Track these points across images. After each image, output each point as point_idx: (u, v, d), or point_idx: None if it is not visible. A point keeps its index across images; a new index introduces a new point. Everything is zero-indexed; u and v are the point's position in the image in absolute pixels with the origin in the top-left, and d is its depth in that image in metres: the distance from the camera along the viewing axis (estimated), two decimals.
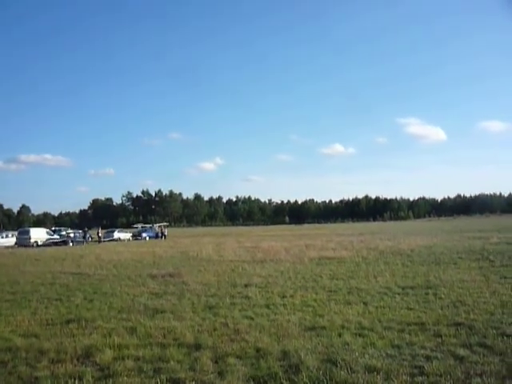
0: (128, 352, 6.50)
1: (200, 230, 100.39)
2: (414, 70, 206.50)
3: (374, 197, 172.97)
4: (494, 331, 6.98)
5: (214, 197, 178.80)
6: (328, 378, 5.18)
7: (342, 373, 5.29)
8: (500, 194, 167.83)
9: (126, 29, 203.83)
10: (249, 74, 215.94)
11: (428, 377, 5.16)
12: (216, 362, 5.97)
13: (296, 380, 5.18)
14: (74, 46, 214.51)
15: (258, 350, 6.41)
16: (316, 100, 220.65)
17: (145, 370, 5.76)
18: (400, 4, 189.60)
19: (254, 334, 7.36)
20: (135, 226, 68.00)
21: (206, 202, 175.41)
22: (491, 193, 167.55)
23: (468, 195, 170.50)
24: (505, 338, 6.63)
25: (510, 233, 35.19)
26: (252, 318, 8.55)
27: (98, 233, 50.13)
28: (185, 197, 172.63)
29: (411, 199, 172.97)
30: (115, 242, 47.36)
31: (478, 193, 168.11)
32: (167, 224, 73.68)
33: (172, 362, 5.97)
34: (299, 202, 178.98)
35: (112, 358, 6.26)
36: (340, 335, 7.10)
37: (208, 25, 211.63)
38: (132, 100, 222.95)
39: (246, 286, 12.61)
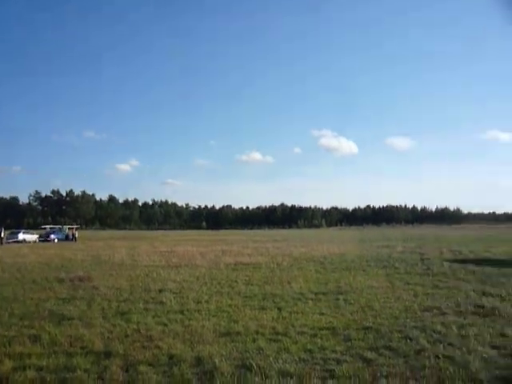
0: (30, 361, 6.07)
1: (114, 233, 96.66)
2: (329, 86, 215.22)
3: (289, 205, 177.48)
4: (399, 334, 7.42)
5: (130, 199, 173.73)
6: (242, 383, 5.16)
7: (256, 378, 5.32)
8: (405, 205, 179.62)
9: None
10: (165, 79, 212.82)
11: (338, 380, 5.33)
12: (126, 371, 5.73)
13: None
14: None
15: (171, 357, 6.26)
16: (235, 108, 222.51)
17: (48, 380, 5.39)
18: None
19: (167, 340, 7.18)
20: (43, 227, 64.06)
21: (121, 204, 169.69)
22: (397, 204, 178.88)
23: (377, 206, 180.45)
24: (408, 340, 7.06)
25: (413, 242, 37.74)
26: (166, 324, 8.35)
27: None
28: (98, 198, 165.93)
29: (324, 208, 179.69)
30: (20, 244, 44.18)
31: (385, 204, 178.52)
32: (78, 226, 70.18)
33: (79, 372, 5.64)
34: (217, 208, 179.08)
35: (11, 368, 5.79)
36: (254, 340, 7.14)
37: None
38: (45, 93, 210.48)
39: (160, 291, 12.31)
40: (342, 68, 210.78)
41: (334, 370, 5.66)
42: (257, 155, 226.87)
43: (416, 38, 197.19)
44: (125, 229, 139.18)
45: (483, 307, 9.72)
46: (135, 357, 6.24)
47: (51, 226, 63.72)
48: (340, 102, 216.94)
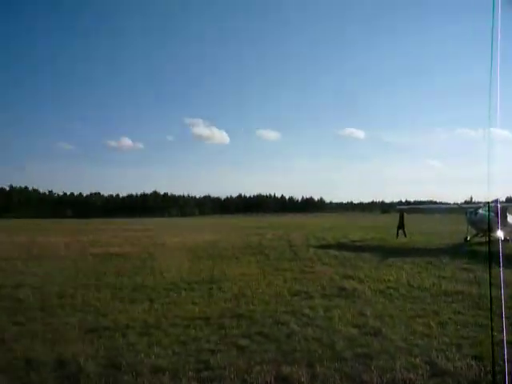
0: None
1: None
2: (201, 72, 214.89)
3: (162, 193, 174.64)
4: (270, 320, 7.60)
5: None
6: None
7: (126, 377, 4.98)
8: (274, 195, 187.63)
9: None
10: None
11: (213, 371, 5.23)
12: None
13: None
14: None
15: (28, 362, 5.60)
16: (107, 92, 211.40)
17: None
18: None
19: (24, 342, 6.46)
20: None
21: None
22: (267, 194, 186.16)
23: (248, 195, 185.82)
24: (279, 325, 7.27)
25: (282, 230, 39.48)
26: (23, 324, 7.53)
27: None
28: None
29: (197, 197, 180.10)
30: None
31: (256, 193, 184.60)
32: None
33: None
34: (84, 195, 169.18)
35: None
36: (124, 336, 6.76)
37: None
38: None
39: (17, 286, 11.12)
40: (218, 58, 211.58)
41: (208, 360, 5.56)
42: (127, 141, 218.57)
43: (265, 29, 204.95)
44: None
45: (345, 289, 10.44)
46: None
47: None
48: (213, 91, 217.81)
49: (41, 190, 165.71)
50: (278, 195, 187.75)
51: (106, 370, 5.24)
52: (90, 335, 6.80)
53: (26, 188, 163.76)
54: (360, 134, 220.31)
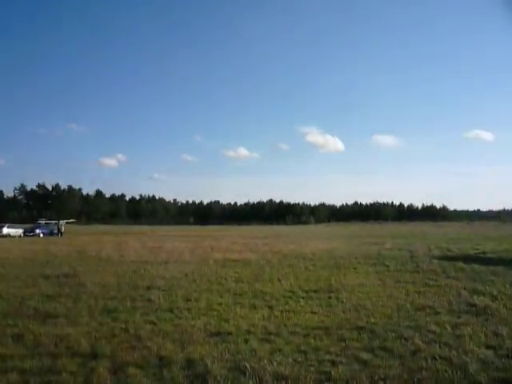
0: (13, 364, 5.80)
1: (100, 227, 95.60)
2: (312, 80, 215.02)
3: (277, 201, 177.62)
4: (393, 334, 7.27)
5: (117, 194, 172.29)
6: None
7: (251, 382, 5.11)
8: (392, 203, 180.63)
9: None
10: (150, 72, 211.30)
11: (335, 383, 5.15)
12: (114, 373, 5.49)
13: None
14: None
15: (160, 359, 6.03)
16: (218, 105, 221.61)
17: None
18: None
19: (156, 340, 6.96)
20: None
21: (108, 199, 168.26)
22: (384, 201, 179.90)
23: (364, 203, 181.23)
24: (403, 340, 6.92)
25: (401, 239, 37.85)
26: (155, 323, 8.13)
27: None
28: (85, 193, 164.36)
29: (312, 204, 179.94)
30: (4, 239, 43.42)
31: (373, 201, 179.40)
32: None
33: (64, 374, 5.40)
34: (204, 203, 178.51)
35: None
36: (246, 341, 6.94)
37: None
38: (30, 87, 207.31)
39: (148, 288, 12.06)
40: (330, 65, 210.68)
41: (329, 372, 5.48)
42: (243, 151, 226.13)
43: (405, 37, 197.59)
44: (111, 224, 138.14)
45: (475, 306, 9.64)
46: (123, 358, 6.01)
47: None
48: (326, 99, 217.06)
49: (166, 199, 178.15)
50: (396, 202, 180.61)
51: (232, 373, 5.43)
52: (215, 338, 7.10)
53: (154, 197, 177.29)
54: (487, 135, 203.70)
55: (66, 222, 58.91)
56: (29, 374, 5.48)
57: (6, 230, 48.33)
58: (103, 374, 5.42)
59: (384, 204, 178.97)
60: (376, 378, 5.30)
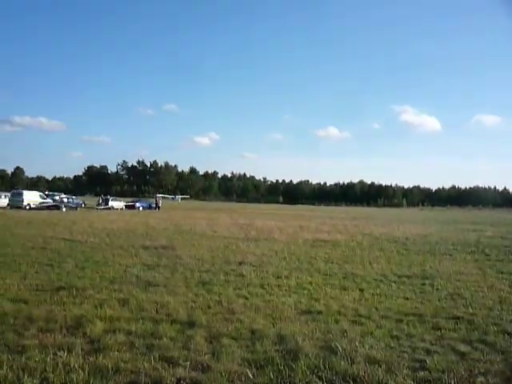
0: (119, 325, 6.29)
1: (194, 203, 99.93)
2: (410, 60, 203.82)
3: (369, 182, 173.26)
4: (495, 328, 6.83)
5: (210, 171, 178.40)
6: (328, 367, 4.97)
7: (343, 362, 5.09)
8: (495, 187, 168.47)
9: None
10: (246, 56, 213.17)
11: (430, 372, 4.96)
12: (210, 342, 5.76)
13: (294, 367, 4.95)
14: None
15: (253, 332, 6.21)
16: (311, 83, 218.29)
17: (137, 345, 5.54)
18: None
19: (248, 314, 7.17)
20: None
21: (201, 176, 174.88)
22: (486, 186, 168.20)
23: (463, 187, 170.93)
24: (506, 335, 6.47)
25: (504, 227, 35.27)
26: (246, 298, 8.37)
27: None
28: (180, 170, 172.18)
29: (405, 187, 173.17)
30: (108, 211, 47.04)
31: (472, 185, 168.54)
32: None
33: (165, 339, 5.76)
34: (294, 182, 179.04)
35: (103, 330, 6.05)
36: (337, 322, 6.92)
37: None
38: (130, 72, 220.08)
39: (240, 263, 12.43)
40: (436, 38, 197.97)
41: (424, 360, 5.30)
42: (333, 130, 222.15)
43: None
44: (204, 200, 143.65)
45: None
46: (218, 329, 6.27)
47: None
48: (421, 76, 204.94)
49: (256, 177, 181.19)
50: (499, 187, 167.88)
51: (323, 352, 5.45)
52: (305, 316, 7.16)
53: (244, 175, 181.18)
54: None
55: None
56: (134, 335, 5.91)
57: (110, 203, 52.68)
58: (200, 342, 5.71)
59: (485, 189, 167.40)
60: (476, 372, 5.03)
